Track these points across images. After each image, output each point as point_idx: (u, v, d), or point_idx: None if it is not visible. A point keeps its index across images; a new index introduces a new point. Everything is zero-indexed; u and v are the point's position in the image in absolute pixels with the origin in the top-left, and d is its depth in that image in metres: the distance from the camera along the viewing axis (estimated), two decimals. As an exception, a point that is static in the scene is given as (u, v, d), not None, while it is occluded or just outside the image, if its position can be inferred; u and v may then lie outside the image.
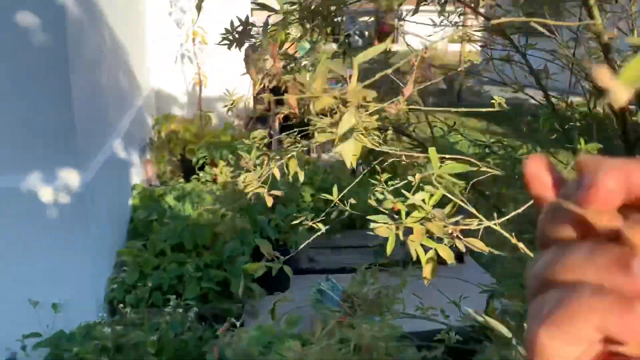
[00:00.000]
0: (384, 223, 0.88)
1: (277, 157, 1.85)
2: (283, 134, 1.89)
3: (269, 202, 1.50)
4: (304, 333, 3.10)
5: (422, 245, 0.87)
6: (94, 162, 3.23)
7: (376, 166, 1.65)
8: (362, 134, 1.32)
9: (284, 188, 4.18)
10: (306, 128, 1.76)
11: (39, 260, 2.93)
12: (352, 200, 1.76)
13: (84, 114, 3.04)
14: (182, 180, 4.51)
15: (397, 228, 0.88)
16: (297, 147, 1.90)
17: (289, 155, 1.70)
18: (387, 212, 0.91)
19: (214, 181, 4.17)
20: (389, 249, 0.86)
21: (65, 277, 2.97)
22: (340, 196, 1.67)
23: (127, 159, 4.27)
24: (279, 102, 6.36)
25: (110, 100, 3.90)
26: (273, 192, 1.52)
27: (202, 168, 4.65)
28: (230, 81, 6.99)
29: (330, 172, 4.57)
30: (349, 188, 1.52)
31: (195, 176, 3.96)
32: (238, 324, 3.33)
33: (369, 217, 0.91)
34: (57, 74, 2.79)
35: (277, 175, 1.79)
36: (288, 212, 4.12)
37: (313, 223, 1.95)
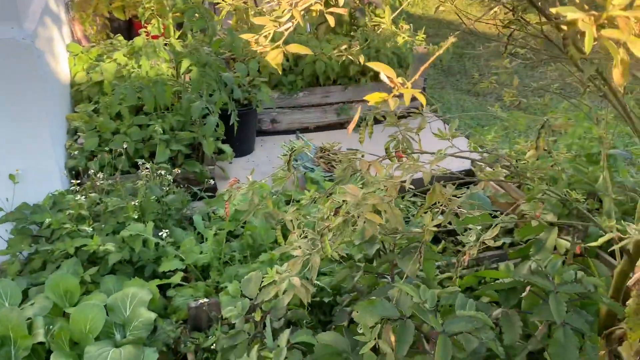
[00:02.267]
0: (577, 15, 0.72)
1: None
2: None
3: (332, 22, 1.27)
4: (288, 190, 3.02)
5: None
6: (32, 10, 2.74)
7: None
8: None
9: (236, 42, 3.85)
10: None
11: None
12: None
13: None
14: (121, 38, 4.01)
15: (594, 20, 0.72)
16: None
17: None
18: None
19: (164, 37, 3.73)
20: (588, 47, 0.71)
21: (20, 144, 2.63)
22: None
23: (58, 14, 3.70)
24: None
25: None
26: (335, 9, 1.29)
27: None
28: None
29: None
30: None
31: (143, 30, 3.50)
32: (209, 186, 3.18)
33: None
34: None
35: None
36: (249, 68, 3.82)
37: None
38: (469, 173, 3.15)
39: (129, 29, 5.64)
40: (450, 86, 5.96)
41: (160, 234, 2.44)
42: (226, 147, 3.40)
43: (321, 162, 3.43)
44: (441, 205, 1.61)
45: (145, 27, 3.53)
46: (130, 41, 3.65)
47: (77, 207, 2.52)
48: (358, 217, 1.32)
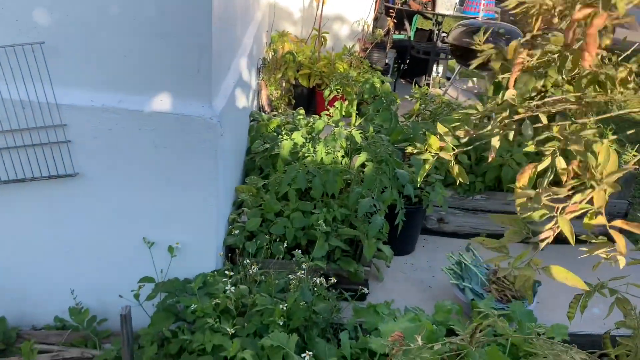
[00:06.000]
0: None
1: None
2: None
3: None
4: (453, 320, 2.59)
5: None
6: (224, 85, 2.74)
7: None
8: None
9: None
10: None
11: (160, 196, 2.53)
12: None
13: (219, 26, 2.51)
14: (302, 111, 3.97)
15: None
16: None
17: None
18: None
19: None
20: None
21: (186, 216, 2.58)
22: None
23: (250, 82, 3.77)
24: (398, 26, 5.51)
25: (239, 11, 3.35)
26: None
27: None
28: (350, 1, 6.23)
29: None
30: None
31: (325, 112, 3.40)
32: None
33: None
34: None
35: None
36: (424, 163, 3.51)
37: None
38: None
39: (311, 96, 5.72)
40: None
41: (303, 355, 2.17)
42: (386, 249, 3.09)
43: (493, 289, 2.96)
44: None
45: (328, 109, 3.42)
46: (311, 121, 3.57)
47: (224, 299, 2.36)
48: None
